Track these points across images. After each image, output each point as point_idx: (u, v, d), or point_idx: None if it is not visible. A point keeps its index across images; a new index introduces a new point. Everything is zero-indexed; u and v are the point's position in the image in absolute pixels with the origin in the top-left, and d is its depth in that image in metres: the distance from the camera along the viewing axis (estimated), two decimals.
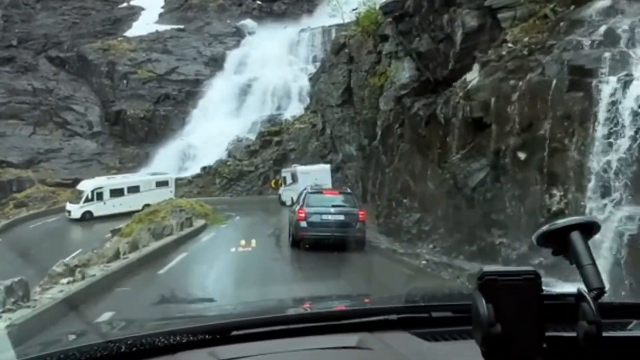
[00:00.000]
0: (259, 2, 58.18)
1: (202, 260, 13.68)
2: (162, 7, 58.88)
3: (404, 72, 23.28)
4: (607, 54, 11.93)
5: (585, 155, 11.49)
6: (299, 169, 32.09)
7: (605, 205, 11.02)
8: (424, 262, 14.27)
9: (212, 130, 47.11)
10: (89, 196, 32.94)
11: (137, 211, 30.37)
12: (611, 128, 11.17)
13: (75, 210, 32.83)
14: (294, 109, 47.03)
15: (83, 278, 8.50)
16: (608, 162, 11.11)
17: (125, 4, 58.92)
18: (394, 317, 1.65)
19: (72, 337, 1.80)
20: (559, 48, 13.27)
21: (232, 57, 53.89)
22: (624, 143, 10.92)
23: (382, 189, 23.09)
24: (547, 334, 1.05)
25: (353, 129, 33.88)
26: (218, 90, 51.03)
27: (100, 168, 50.47)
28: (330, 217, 14.38)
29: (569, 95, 12.20)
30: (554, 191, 12.13)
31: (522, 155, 13.02)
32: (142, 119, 52.22)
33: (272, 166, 36.84)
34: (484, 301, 1.00)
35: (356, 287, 9.77)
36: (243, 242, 15.49)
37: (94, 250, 12.10)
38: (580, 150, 11.71)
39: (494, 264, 12.18)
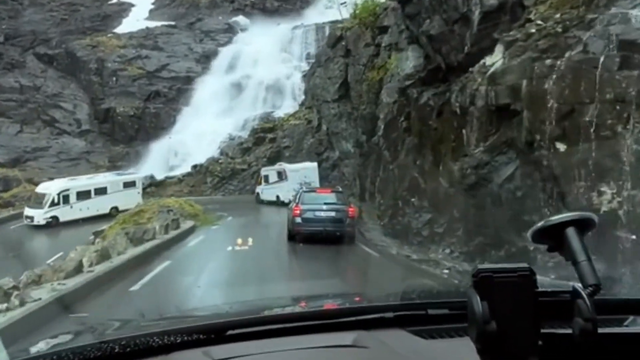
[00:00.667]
0: None
1: (187, 270, 11.34)
2: (153, 4, 56.34)
3: (407, 61, 21.05)
4: None
5: None
6: (288, 167, 30.46)
7: None
8: (445, 270, 12.01)
9: (204, 128, 44.94)
10: (55, 199, 28.50)
11: (105, 215, 28.00)
12: None
13: (39, 215, 28.21)
14: (288, 107, 44.75)
15: (22, 304, 6.15)
16: None
17: (115, 0, 56.28)
18: (390, 314, 1.61)
19: (65, 337, 1.71)
20: (602, 22, 11.07)
21: (224, 54, 51.51)
22: None
23: (386, 187, 20.82)
24: (543, 330, 1.02)
25: (350, 125, 31.59)
26: (210, 88, 48.82)
27: (89, 167, 48.08)
28: (322, 213, 15.04)
29: (620, 75, 10.00)
30: (604, 188, 9.92)
31: (561, 147, 10.80)
32: (131, 117, 49.71)
33: (266, 164, 34.45)
34: (478, 298, 0.97)
35: None
36: (240, 240, 14.51)
37: (50, 262, 9.72)
38: (637, 139, 9.53)
39: None
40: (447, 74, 16.56)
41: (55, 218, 28.26)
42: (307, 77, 38.38)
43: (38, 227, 27.61)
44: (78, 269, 8.67)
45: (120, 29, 54.52)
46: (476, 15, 14.75)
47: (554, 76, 10.99)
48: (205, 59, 51.54)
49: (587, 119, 10.28)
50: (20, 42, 53.72)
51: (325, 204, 15.39)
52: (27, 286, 6.85)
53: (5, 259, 23.65)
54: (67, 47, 52.62)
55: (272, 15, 54.60)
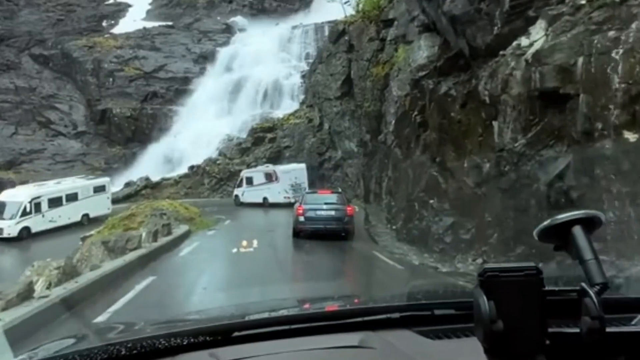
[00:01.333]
0: None
1: (174, 288, 9.00)
2: (150, 4, 53.95)
3: (420, 51, 18.76)
4: None
5: None
6: (279, 168, 28.72)
7: None
8: None
9: (202, 129, 42.77)
10: (27, 208, 24.23)
11: (77, 224, 25.25)
12: None
13: (9, 227, 23.66)
14: (287, 108, 42.50)
15: None
16: None
17: (111, 1, 53.90)
18: (396, 315, 1.57)
19: (71, 340, 1.68)
20: None
21: (223, 54, 49.30)
22: None
23: (398, 188, 18.50)
24: (550, 330, 1.00)
25: (353, 124, 29.30)
26: (208, 88, 46.68)
27: (85, 169, 45.83)
28: (323, 212, 15.57)
29: None
30: None
31: (630, 136, 8.54)
32: (128, 118, 47.41)
33: (266, 165, 32.07)
34: (485, 298, 0.95)
35: None
36: (245, 242, 13.30)
37: None
38: None
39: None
40: (471, 61, 14.26)
41: (26, 229, 24.10)
42: (308, 73, 36.01)
43: (7, 240, 23.19)
44: (26, 294, 6.31)
45: (117, 30, 52.19)
46: None
47: (620, 51, 8.73)
48: (203, 60, 49.35)
49: None
50: (15, 43, 51.32)
51: (326, 203, 15.87)
52: None
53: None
54: (63, 48, 50.26)
55: (271, 16, 52.48)
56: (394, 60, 25.17)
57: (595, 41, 9.14)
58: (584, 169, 9.30)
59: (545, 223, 1.03)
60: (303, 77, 42.23)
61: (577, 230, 1.00)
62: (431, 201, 14.67)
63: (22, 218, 24.12)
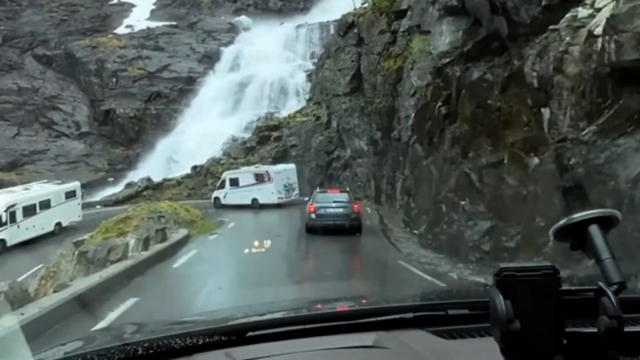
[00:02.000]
0: None
1: (160, 317, 6.76)
2: (154, 4, 51.78)
3: (442, 37, 16.49)
4: None
5: None
6: (272, 168, 26.92)
7: None
8: None
9: (206, 129, 40.72)
10: (3, 218, 20.75)
11: (50, 234, 22.16)
12: None
13: None
14: (292, 107, 40.38)
15: None
16: None
17: (115, 1, 51.79)
18: (410, 315, 1.51)
19: (88, 340, 1.66)
20: None
21: (227, 54, 47.24)
22: None
23: (418, 188, 16.21)
24: (567, 329, 0.96)
25: (363, 121, 26.98)
26: (212, 88, 44.70)
27: (88, 170, 43.97)
28: (332, 210, 16.02)
29: None
30: None
31: None
32: (132, 119, 45.36)
33: (271, 164, 29.82)
34: (502, 297, 0.91)
35: None
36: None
37: None
38: None
39: None
40: (508, 42, 11.97)
41: (2, 242, 20.62)
42: (315, 69, 33.72)
43: None
44: None
45: (120, 30, 50.11)
46: None
47: None
48: (208, 59, 47.25)
49: None
50: (18, 43, 49.29)
51: (335, 202, 16.35)
52: None
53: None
54: (67, 48, 48.21)
55: (276, 15, 50.31)
56: (406, 53, 22.91)
57: None
58: None
59: (561, 222, 0.97)
60: (309, 76, 40.30)
61: (594, 229, 0.95)
62: (462, 202, 12.39)
63: None
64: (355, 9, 29.23)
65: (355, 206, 16.59)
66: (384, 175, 24.88)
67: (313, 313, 1.77)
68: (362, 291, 8.27)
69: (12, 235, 20.87)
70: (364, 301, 2.21)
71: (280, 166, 27.90)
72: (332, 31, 38.82)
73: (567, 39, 9.59)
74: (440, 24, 16.77)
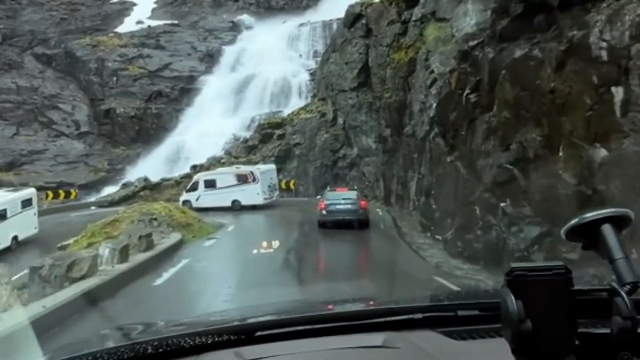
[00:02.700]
0: None
1: None
2: (155, 3, 49.60)
3: (466, 18, 14.16)
4: None
5: None
6: (260, 169, 25.34)
7: None
8: None
9: (208, 129, 38.68)
10: None
11: (6, 250, 17.95)
12: None
13: None
14: (295, 106, 38.24)
15: None
16: None
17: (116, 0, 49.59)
18: (419, 316, 1.45)
19: (98, 339, 1.63)
20: None
21: (229, 52, 45.15)
22: None
23: (441, 188, 13.85)
24: (579, 330, 0.92)
25: (371, 117, 24.62)
26: (214, 87, 42.64)
27: (88, 170, 41.79)
28: (341, 206, 16.72)
29: None
30: None
31: None
32: (132, 118, 43.21)
33: (274, 163, 27.49)
34: (513, 297, 0.87)
35: None
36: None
37: None
38: None
39: None
40: (558, 13, 9.65)
41: None
42: (320, 63, 31.37)
43: None
44: None
45: (121, 29, 47.90)
46: None
47: None
48: (209, 58, 45.08)
49: None
50: (18, 42, 47.12)
51: (343, 199, 17.00)
52: None
53: None
54: (67, 47, 46.02)
55: (278, 14, 48.16)
56: (419, 44, 20.58)
57: None
58: None
59: (574, 221, 0.93)
60: (312, 75, 38.23)
61: (607, 229, 0.91)
62: (502, 204, 10.05)
63: None
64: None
65: (362, 202, 17.25)
66: (394, 174, 22.55)
67: (321, 313, 1.68)
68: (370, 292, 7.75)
69: None
70: (372, 302, 2.13)
71: (263, 166, 26.38)
72: (335, 29, 36.76)
73: None
74: (465, 4, 14.44)
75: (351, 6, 26.16)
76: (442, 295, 1.90)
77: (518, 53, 10.12)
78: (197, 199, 24.25)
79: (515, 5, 11.32)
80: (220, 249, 13.08)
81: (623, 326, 0.84)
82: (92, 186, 39.35)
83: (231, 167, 27.11)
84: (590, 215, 0.92)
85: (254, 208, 23.60)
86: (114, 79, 44.18)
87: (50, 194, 30.12)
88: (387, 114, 23.03)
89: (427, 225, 14.72)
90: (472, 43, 13.00)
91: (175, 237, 13.63)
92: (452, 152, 13.16)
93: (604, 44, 7.94)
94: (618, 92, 7.77)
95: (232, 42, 46.00)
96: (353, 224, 15.90)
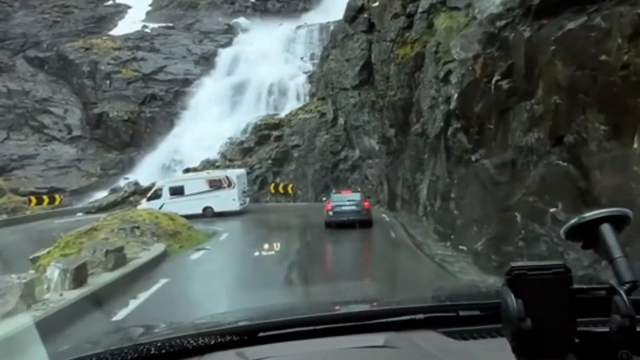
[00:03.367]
0: (252, 0, 47.28)
1: None
2: (150, 5, 47.44)
3: None
4: None
5: None
6: (235, 173, 23.90)
7: None
8: None
9: (203, 132, 36.67)
10: None
11: None
12: None
13: None
14: (291, 109, 36.25)
15: None
16: None
17: (110, 2, 47.37)
18: (420, 316, 1.44)
19: (101, 340, 1.59)
20: None
21: (225, 55, 43.11)
22: None
23: (464, 190, 11.66)
24: (579, 328, 0.90)
25: (374, 117, 22.48)
26: (209, 90, 40.59)
27: (80, 175, 39.54)
28: (346, 207, 17.24)
29: None
30: None
31: None
32: (126, 122, 41.03)
33: (271, 166, 25.30)
34: (513, 296, 0.86)
35: None
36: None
37: None
38: None
39: None
40: None
41: None
42: (319, 61, 29.24)
43: None
44: None
45: (115, 32, 45.69)
46: None
47: None
48: (205, 61, 42.95)
49: None
50: (9, 45, 44.84)
51: (348, 201, 17.42)
52: None
53: None
54: (59, 50, 43.76)
55: (274, 17, 46.17)
56: (426, 37, 18.51)
57: None
58: None
59: (573, 221, 0.92)
60: (309, 77, 36.39)
61: (606, 228, 0.90)
62: (552, 209, 7.89)
63: None
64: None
65: (366, 204, 17.77)
66: (399, 177, 20.42)
67: (323, 314, 1.65)
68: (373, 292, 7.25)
69: None
70: (374, 302, 2.09)
71: (235, 171, 24.71)
72: (332, 31, 34.86)
73: None
74: None
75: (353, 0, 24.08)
76: (443, 296, 1.83)
77: (571, 25, 8.00)
78: (161, 207, 21.05)
79: None
80: (210, 263, 10.82)
81: (622, 324, 0.82)
82: (84, 192, 37.11)
83: (202, 172, 25.37)
84: (590, 215, 0.90)
85: (239, 214, 21.84)
86: (107, 82, 41.97)
87: (34, 199, 27.75)
88: (392, 113, 20.94)
89: (446, 233, 12.54)
90: (499, 23, 10.90)
91: (158, 248, 11.40)
92: (477, 150, 11.02)
93: None
94: None
95: (228, 44, 43.99)
96: (356, 225, 16.33)
